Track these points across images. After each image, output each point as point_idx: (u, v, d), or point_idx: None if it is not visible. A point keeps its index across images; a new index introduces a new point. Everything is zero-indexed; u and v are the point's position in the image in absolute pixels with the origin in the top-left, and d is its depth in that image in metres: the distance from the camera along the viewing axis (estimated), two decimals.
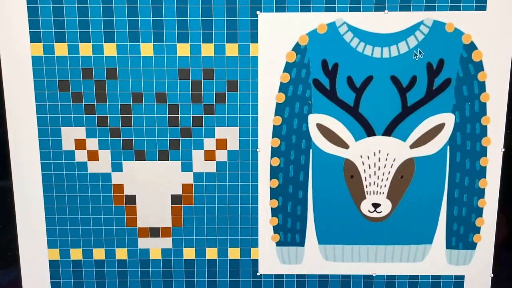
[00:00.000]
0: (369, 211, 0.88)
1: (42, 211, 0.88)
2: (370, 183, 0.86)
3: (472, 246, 0.90)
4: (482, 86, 0.83)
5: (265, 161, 0.86)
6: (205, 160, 0.86)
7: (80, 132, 0.85)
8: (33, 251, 0.90)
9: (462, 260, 0.90)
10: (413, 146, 0.85)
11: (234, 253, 0.90)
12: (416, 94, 0.83)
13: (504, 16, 0.80)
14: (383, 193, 0.87)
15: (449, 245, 0.90)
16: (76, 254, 0.90)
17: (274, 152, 0.86)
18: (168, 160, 0.86)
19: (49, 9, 0.80)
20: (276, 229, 0.89)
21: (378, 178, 0.86)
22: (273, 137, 0.85)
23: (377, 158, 0.85)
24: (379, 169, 0.86)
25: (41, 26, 0.80)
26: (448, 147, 0.85)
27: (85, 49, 0.81)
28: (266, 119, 0.84)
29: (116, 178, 0.87)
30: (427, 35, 0.81)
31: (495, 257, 0.90)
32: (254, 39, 0.81)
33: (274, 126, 0.85)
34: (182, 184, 0.87)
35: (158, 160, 0.86)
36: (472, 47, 0.81)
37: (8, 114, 0.84)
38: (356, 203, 0.88)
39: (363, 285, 0.92)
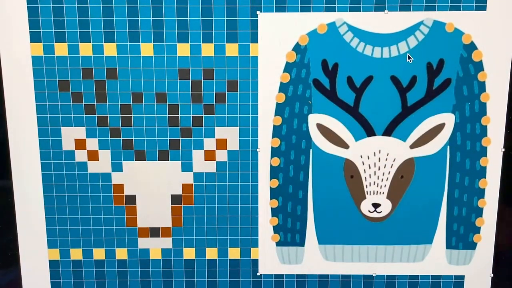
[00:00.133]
0: (369, 211, 0.88)
1: (42, 211, 0.88)
2: (370, 183, 0.86)
3: (472, 246, 0.90)
4: (482, 86, 0.83)
5: (265, 161, 0.86)
6: (205, 160, 0.86)
7: (80, 132, 0.85)
8: (33, 251, 0.90)
9: (462, 260, 0.90)
10: (413, 146, 0.85)
11: (234, 253, 0.90)
12: (416, 94, 0.83)
13: (504, 16, 0.80)
14: (383, 193, 0.87)
15: (449, 245, 0.90)
16: (76, 254, 0.90)
17: (274, 152, 0.86)
18: (168, 160, 0.86)
19: (49, 9, 0.80)
20: (276, 229, 0.89)
21: (378, 178, 0.86)
22: (273, 137, 0.85)
23: (377, 158, 0.85)
24: (379, 169, 0.86)
25: (41, 26, 0.81)
26: (448, 147, 0.85)
27: (85, 49, 0.81)
28: (266, 119, 0.84)
29: (116, 178, 0.87)
30: (427, 35, 0.81)
31: (495, 257, 0.90)
32: (254, 39, 0.81)
33: (274, 126, 0.85)
34: (182, 184, 0.87)
35: (158, 160, 0.86)
36: (472, 47, 0.81)
37: (8, 114, 0.84)
38: (356, 203, 0.88)
39: (363, 285, 0.92)
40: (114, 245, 0.90)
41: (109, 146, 0.85)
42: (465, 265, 0.91)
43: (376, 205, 0.87)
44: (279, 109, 0.84)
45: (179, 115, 0.84)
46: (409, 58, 0.77)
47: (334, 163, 0.86)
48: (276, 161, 0.86)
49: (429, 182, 0.87)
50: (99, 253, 0.90)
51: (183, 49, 0.82)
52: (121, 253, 0.90)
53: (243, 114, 0.84)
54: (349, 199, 0.88)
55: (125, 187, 0.87)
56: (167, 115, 0.84)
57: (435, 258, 0.90)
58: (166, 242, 0.90)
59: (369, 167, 0.86)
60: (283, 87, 0.83)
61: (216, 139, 0.85)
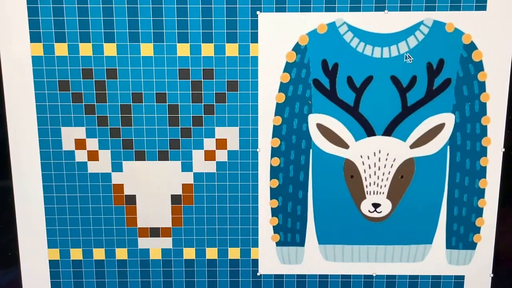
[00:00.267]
0: (369, 211, 0.88)
1: (42, 211, 0.88)
2: (370, 183, 0.86)
3: (472, 246, 0.90)
4: (482, 86, 0.83)
5: (265, 161, 0.86)
6: (205, 160, 0.86)
7: (80, 132, 0.85)
8: (33, 251, 0.90)
9: (462, 260, 0.90)
10: (413, 146, 0.85)
11: (234, 253, 0.90)
12: (416, 94, 0.83)
13: (504, 16, 0.80)
14: (383, 193, 0.87)
15: (449, 245, 0.90)
16: (76, 254, 0.90)
17: (274, 152, 0.86)
18: (168, 160, 0.86)
19: (49, 9, 0.80)
20: (276, 229, 0.89)
21: (378, 178, 0.86)
22: (273, 137, 0.85)
23: (377, 158, 0.85)
24: (379, 169, 0.86)
25: (41, 26, 0.80)
26: (448, 147, 0.85)
27: (85, 49, 0.81)
28: (266, 119, 0.84)
29: (116, 178, 0.87)
30: (427, 35, 0.81)
31: (495, 257, 0.90)
32: (254, 39, 0.81)
33: (274, 126, 0.85)
34: (182, 184, 0.87)
35: (158, 160, 0.86)
36: (472, 47, 0.81)
37: (8, 114, 0.84)
38: (356, 203, 0.88)
39: (363, 285, 0.92)
40: (114, 245, 0.90)
41: (109, 146, 0.85)
42: (465, 265, 0.91)
43: (376, 205, 0.87)
44: (279, 109, 0.84)
45: (179, 115, 0.84)
46: (408, 57, 0.77)
47: (334, 163, 0.86)
48: (276, 161, 0.86)
49: (429, 182, 0.87)
50: (99, 253, 0.90)
51: (183, 49, 0.82)
52: (121, 253, 0.90)
53: (243, 114, 0.84)
54: (349, 199, 0.88)
55: (125, 187, 0.87)
56: (167, 115, 0.84)
57: (435, 258, 0.90)
58: (166, 242, 0.90)
59: (369, 167, 0.86)
60: (283, 87, 0.83)
61: (216, 139, 0.85)
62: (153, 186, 0.87)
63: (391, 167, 0.86)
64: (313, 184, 0.87)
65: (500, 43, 0.81)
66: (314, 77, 0.83)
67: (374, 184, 0.86)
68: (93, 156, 0.86)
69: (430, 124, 0.84)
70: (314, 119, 0.84)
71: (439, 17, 0.80)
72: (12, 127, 0.85)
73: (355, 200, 0.88)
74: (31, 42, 0.81)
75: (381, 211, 0.88)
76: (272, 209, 0.88)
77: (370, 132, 0.84)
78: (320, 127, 0.85)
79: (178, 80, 0.83)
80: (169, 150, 0.86)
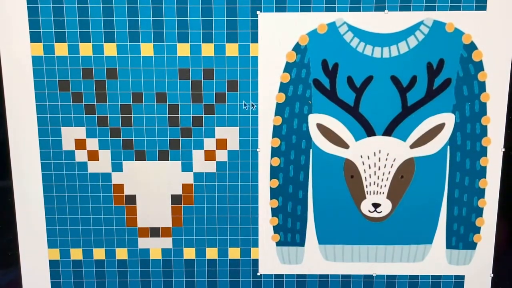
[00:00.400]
0: (369, 211, 0.88)
1: (42, 211, 0.88)
2: (370, 183, 0.86)
3: (472, 246, 0.90)
4: (482, 86, 0.83)
5: (265, 161, 0.86)
6: (205, 160, 0.86)
7: (80, 132, 0.85)
8: (33, 251, 0.90)
9: (462, 260, 0.90)
10: (413, 146, 0.85)
11: (234, 253, 0.90)
12: (416, 94, 0.83)
13: (504, 16, 0.80)
14: (383, 193, 0.87)
15: (449, 245, 0.90)
16: (76, 254, 0.90)
17: (274, 152, 0.86)
18: (168, 160, 0.86)
19: (49, 9, 0.80)
20: (276, 229, 0.89)
21: (378, 178, 0.86)
22: (273, 137, 0.85)
23: (377, 158, 0.85)
24: (379, 169, 0.86)
25: (41, 26, 0.80)
26: (448, 147, 0.85)
27: (85, 49, 0.81)
28: (266, 119, 0.84)
29: (116, 178, 0.87)
30: (427, 35, 0.81)
31: (495, 257, 0.90)
32: (254, 39, 0.81)
33: (274, 126, 0.85)
34: (182, 184, 0.87)
35: (158, 160, 0.86)
36: (472, 47, 0.81)
37: (8, 114, 0.84)
38: (356, 203, 0.88)
39: (363, 285, 0.92)
40: (114, 245, 0.90)
41: (109, 146, 0.85)
42: (465, 265, 0.91)
43: (376, 205, 0.87)
44: (279, 109, 0.84)
45: (179, 115, 0.84)
46: (245, 105, 0.78)
47: (334, 163, 0.86)
48: (276, 161, 0.86)
49: (429, 182, 0.87)
50: (99, 253, 0.90)
51: (183, 49, 0.82)
52: (121, 253, 0.90)
53: (243, 114, 0.84)
54: (349, 199, 0.88)
55: (125, 187, 0.87)
56: (167, 115, 0.84)
57: (435, 258, 0.90)
58: (166, 242, 0.90)
59: (369, 167, 0.86)
60: (283, 87, 0.83)
61: (216, 139, 0.85)
62: (153, 186, 0.87)
63: (391, 167, 0.86)
64: (313, 184, 0.87)
65: (500, 43, 0.81)
66: (314, 77, 0.83)
67: (374, 184, 0.86)
68: (93, 156, 0.86)
69: (430, 124, 0.84)
70: (314, 119, 0.84)
71: (439, 17, 0.80)
72: (12, 127, 0.85)
73: (355, 200, 0.88)
74: (31, 42, 0.81)
75: (381, 211, 0.88)
76: (272, 209, 0.88)
77: (370, 132, 0.84)
78: (320, 127, 0.85)
79: (178, 80, 0.83)
80: (169, 150, 0.86)
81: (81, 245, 0.90)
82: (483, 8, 0.80)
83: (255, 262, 0.91)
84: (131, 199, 0.88)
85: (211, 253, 0.90)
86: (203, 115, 0.84)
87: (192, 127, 0.85)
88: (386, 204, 0.87)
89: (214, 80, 0.83)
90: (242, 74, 0.83)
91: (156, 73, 0.82)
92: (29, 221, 0.89)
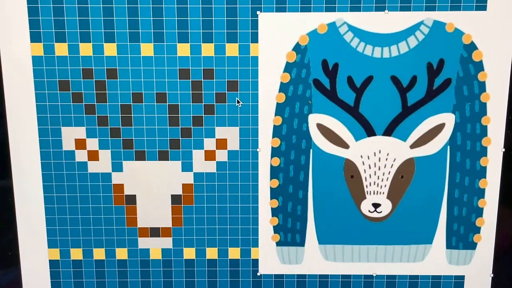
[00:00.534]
0: (369, 211, 0.88)
1: (42, 211, 0.88)
2: (370, 183, 0.86)
3: (472, 246, 0.90)
4: (482, 86, 0.83)
5: (265, 161, 0.86)
6: (205, 160, 0.86)
7: (80, 132, 0.85)
8: (33, 251, 0.90)
9: (462, 260, 0.90)
10: (413, 146, 0.85)
11: (234, 253, 0.90)
12: (416, 94, 0.83)
13: (504, 16, 0.80)
14: (383, 193, 0.87)
15: (449, 245, 0.90)
16: (76, 254, 0.90)
17: (274, 152, 0.86)
18: (168, 160, 0.86)
19: (49, 9, 0.80)
20: (276, 229, 0.89)
21: (378, 178, 0.86)
22: (273, 137, 0.85)
23: (377, 158, 0.85)
24: (379, 169, 0.86)
25: (41, 26, 0.80)
26: (448, 147, 0.85)
27: (85, 49, 0.81)
28: (266, 119, 0.84)
29: (116, 178, 0.87)
30: (427, 35, 0.81)
31: (495, 257, 0.91)
32: (254, 39, 0.81)
33: (274, 126, 0.85)
34: (182, 184, 0.87)
35: (158, 160, 0.86)
36: (472, 47, 0.81)
37: (9, 114, 0.84)
38: (356, 203, 0.88)
39: (363, 285, 0.92)
40: (114, 245, 0.90)
41: (109, 146, 0.85)
42: (465, 265, 0.91)
43: (376, 205, 0.87)
44: (279, 109, 0.84)
45: (179, 115, 0.84)
46: (238, 102, 0.78)
47: (334, 163, 0.86)
48: (276, 161, 0.86)
49: (429, 182, 0.87)
50: (99, 253, 0.90)
51: (183, 49, 0.82)
52: (121, 253, 0.90)
53: (243, 114, 0.84)
54: (349, 199, 0.88)
55: (125, 187, 0.87)
56: (167, 115, 0.84)
57: (435, 258, 0.90)
58: (166, 242, 0.90)
59: (369, 167, 0.86)
60: (283, 87, 0.83)
61: (216, 139, 0.85)
62: (153, 186, 0.87)
63: (391, 167, 0.86)
64: (313, 184, 0.87)
65: (500, 43, 0.81)
66: (314, 77, 0.83)
67: (374, 184, 0.86)
68: (93, 156, 0.86)
69: (430, 124, 0.84)
70: (314, 119, 0.84)
71: (439, 17, 0.80)
72: (12, 127, 0.85)
73: (355, 200, 0.88)
74: (31, 42, 0.81)
75: (381, 211, 0.88)
76: (272, 209, 0.88)
77: (370, 132, 0.84)
78: (320, 127, 0.85)
79: (178, 80, 0.83)
80: (169, 150, 0.86)
81: (81, 245, 0.90)
82: (483, 8, 0.80)
83: (255, 262, 0.91)
84: (131, 199, 0.88)
85: (211, 253, 0.90)
86: (203, 115, 0.84)
87: (192, 127, 0.85)
88: (386, 204, 0.87)
89: (214, 80, 0.83)
90: (242, 74, 0.83)
91: (156, 73, 0.82)
92: (29, 221, 0.89)
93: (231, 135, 0.85)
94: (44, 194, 0.87)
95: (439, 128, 0.84)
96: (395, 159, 0.85)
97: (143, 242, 0.90)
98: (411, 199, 0.87)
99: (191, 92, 0.83)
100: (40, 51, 0.82)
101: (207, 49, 0.82)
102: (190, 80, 0.83)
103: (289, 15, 0.80)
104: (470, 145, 0.85)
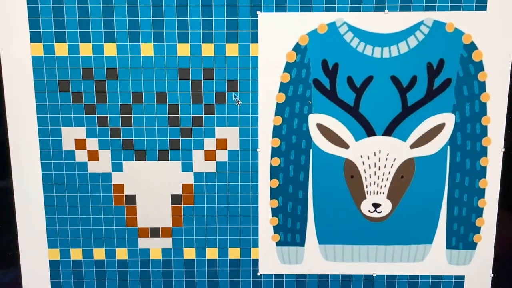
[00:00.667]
0: (369, 211, 0.88)
1: (42, 211, 0.88)
2: (370, 183, 0.86)
3: (472, 246, 0.90)
4: (482, 86, 0.83)
5: (265, 161, 0.86)
6: (205, 160, 0.86)
7: (80, 132, 0.85)
8: (33, 251, 0.90)
9: (462, 260, 0.90)
10: (413, 146, 0.85)
11: (234, 253, 0.90)
12: (416, 94, 0.83)
13: (504, 16, 0.80)
14: (383, 193, 0.87)
15: (449, 245, 0.90)
16: (76, 254, 0.90)
17: (274, 152, 0.86)
18: (168, 160, 0.86)
19: (49, 9, 0.80)
20: (276, 229, 0.89)
21: (378, 178, 0.86)
22: (273, 137, 0.85)
23: (377, 158, 0.85)
24: (379, 169, 0.86)
25: (41, 26, 0.80)
26: (448, 147, 0.85)
27: (85, 49, 0.81)
28: (266, 119, 0.84)
29: (116, 178, 0.87)
30: (427, 35, 0.81)
31: (495, 257, 0.91)
32: (254, 39, 0.81)
33: (274, 126, 0.85)
34: (182, 184, 0.87)
35: (158, 160, 0.86)
36: (472, 47, 0.81)
37: (8, 114, 0.84)
38: (356, 203, 0.88)
39: (363, 285, 0.92)
40: (114, 245, 0.90)
41: (109, 146, 0.85)
42: (465, 265, 0.91)
43: (376, 205, 0.87)
44: (279, 109, 0.84)
45: (179, 115, 0.84)
46: (235, 97, 0.79)
47: (334, 163, 0.86)
48: (276, 161, 0.86)
49: (429, 182, 0.87)
50: (99, 253, 0.90)
51: (183, 49, 0.82)
52: (121, 253, 0.90)
53: (243, 114, 0.84)
54: (349, 199, 0.88)
55: (125, 187, 0.87)
56: (167, 115, 0.84)
57: (435, 258, 0.90)
58: (166, 242, 0.90)
59: (369, 167, 0.86)
60: (283, 87, 0.83)
61: (216, 139, 0.85)
62: (153, 186, 0.87)
63: (391, 167, 0.86)
64: (313, 184, 0.87)
65: (500, 43, 0.81)
66: (314, 77, 0.83)
67: (374, 184, 0.86)
68: (93, 156, 0.86)
69: (430, 124, 0.84)
70: (314, 119, 0.84)
71: (439, 17, 0.80)
72: (12, 127, 0.85)
73: (355, 200, 0.88)
74: (31, 42, 0.81)
75: (381, 211, 0.88)
76: (272, 209, 0.88)
77: (370, 132, 0.84)
78: (320, 127, 0.85)
79: (178, 80, 0.83)
80: (169, 150, 0.86)
81: (81, 245, 0.90)
82: (483, 8, 0.80)
83: (255, 262, 0.91)
84: (131, 199, 0.88)
85: (211, 253, 0.90)
86: (203, 115, 0.84)
87: (192, 127, 0.85)
88: (386, 204, 0.87)
89: (214, 80, 0.83)
90: (242, 74, 0.83)
91: (156, 73, 0.82)
92: (29, 221, 0.89)
93: (231, 135, 0.85)
94: (44, 194, 0.87)
95: (439, 128, 0.84)
96: (395, 159, 0.85)
97: (143, 242, 0.90)
98: (411, 199, 0.87)
99: (191, 92, 0.83)
100: (40, 51, 0.82)
101: (207, 49, 0.81)
102: (190, 80, 0.83)
103: (289, 15, 0.80)
104: (470, 145, 0.85)
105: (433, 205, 0.88)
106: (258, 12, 0.80)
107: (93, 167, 0.86)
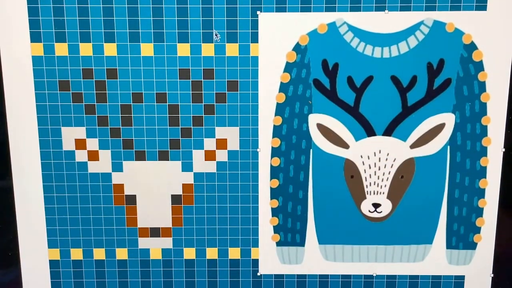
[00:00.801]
0: (369, 211, 0.88)
1: (42, 211, 0.88)
2: (370, 183, 0.86)
3: (472, 246, 0.90)
4: (482, 86, 0.83)
5: (265, 161, 0.86)
6: (205, 160, 0.86)
7: (80, 132, 0.85)
8: (33, 251, 0.90)
9: (462, 260, 0.90)
10: (413, 146, 0.85)
11: (234, 253, 0.90)
12: (416, 94, 0.83)
13: (504, 16, 0.80)
14: (383, 193, 0.87)
15: (449, 245, 0.90)
16: (76, 254, 0.90)
17: (274, 152, 0.86)
18: (168, 160, 0.86)
19: (49, 9, 0.80)
20: (276, 229, 0.89)
21: (378, 178, 0.86)
22: (273, 137, 0.85)
23: (377, 158, 0.85)
24: (379, 169, 0.86)
25: (41, 26, 0.80)
26: (449, 147, 0.85)
27: (85, 49, 0.81)
28: (266, 119, 0.84)
29: (116, 178, 0.87)
30: (427, 35, 0.81)
31: (495, 257, 0.91)
32: (254, 39, 0.81)
33: (274, 126, 0.85)
34: (182, 184, 0.87)
35: (159, 160, 0.86)
36: (472, 47, 0.81)
37: (9, 113, 0.84)
38: (356, 203, 0.88)
39: (363, 285, 0.92)
40: (114, 245, 0.90)
41: (109, 146, 0.85)
42: (465, 265, 0.91)
43: (376, 205, 0.87)
44: (279, 109, 0.84)
45: (179, 115, 0.84)
46: (216, 35, 0.77)
47: (334, 163, 0.86)
48: (276, 161, 0.86)
49: (429, 182, 0.87)
50: (99, 253, 0.90)
51: (183, 49, 0.82)
52: (121, 253, 0.90)
53: (243, 114, 0.84)
54: (349, 199, 0.88)
55: (125, 187, 0.87)
56: (167, 115, 0.84)
57: (435, 258, 0.90)
58: (166, 242, 0.90)
59: (369, 167, 0.86)
60: (283, 87, 0.83)
61: (216, 139, 0.85)
62: (153, 186, 0.87)
63: (391, 167, 0.86)
64: (313, 184, 0.87)
65: (500, 43, 0.81)
66: (314, 77, 0.83)
67: (374, 184, 0.86)
68: (93, 156, 0.86)
69: (430, 124, 0.84)
70: (314, 119, 0.84)
71: (440, 17, 0.80)
72: (12, 126, 0.85)
73: (355, 200, 0.88)
74: (31, 42, 0.81)
75: (381, 211, 0.88)
76: (272, 209, 0.88)
77: (370, 132, 0.84)
78: (320, 127, 0.85)
79: (178, 80, 0.83)
80: (169, 150, 0.86)
81: (81, 245, 0.90)
82: (483, 8, 0.80)
83: (255, 262, 0.91)
84: (131, 199, 0.88)
85: (211, 253, 0.90)
86: (203, 115, 0.84)
87: (192, 127, 0.85)
88: (386, 204, 0.87)
89: (214, 80, 0.83)
90: (242, 74, 0.83)
91: (156, 73, 0.82)
92: (29, 221, 0.89)
93: (231, 135, 0.85)
94: (44, 194, 0.87)
95: (439, 128, 0.84)
96: (395, 159, 0.85)
97: (143, 242, 0.90)
98: (411, 199, 0.87)
99: (191, 92, 0.83)
100: (40, 51, 0.82)
101: (207, 49, 0.82)
102: (190, 80, 0.83)
103: (289, 15, 0.80)
104: (470, 145, 0.85)
105: (433, 205, 0.88)
106: (258, 12, 0.80)
107: (93, 167, 0.86)
